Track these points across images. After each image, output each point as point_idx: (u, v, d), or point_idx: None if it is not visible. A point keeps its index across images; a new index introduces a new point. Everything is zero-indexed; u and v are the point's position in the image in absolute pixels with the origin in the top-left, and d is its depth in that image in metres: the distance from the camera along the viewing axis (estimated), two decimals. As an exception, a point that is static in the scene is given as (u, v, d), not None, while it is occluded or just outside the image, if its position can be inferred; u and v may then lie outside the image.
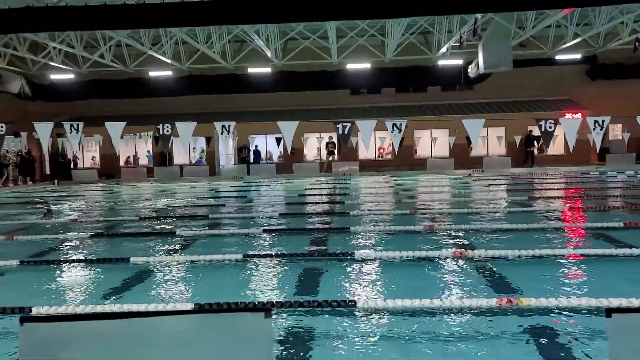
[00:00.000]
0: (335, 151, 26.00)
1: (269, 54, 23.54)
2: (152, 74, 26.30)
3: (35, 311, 4.23)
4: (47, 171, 26.53)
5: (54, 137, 23.57)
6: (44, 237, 8.38)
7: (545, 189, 15.20)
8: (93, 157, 28.94)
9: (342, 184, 18.47)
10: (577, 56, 25.39)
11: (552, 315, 4.09)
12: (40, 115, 22.00)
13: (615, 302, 4.02)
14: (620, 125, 25.37)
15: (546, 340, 3.67)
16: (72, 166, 26.76)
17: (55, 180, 23.76)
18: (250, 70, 26.27)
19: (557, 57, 25.25)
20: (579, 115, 22.78)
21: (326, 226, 8.95)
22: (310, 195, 15.10)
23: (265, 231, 8.21)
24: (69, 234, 8.68)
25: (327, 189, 17.19)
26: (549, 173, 21.09)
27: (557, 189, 15.34)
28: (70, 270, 6.19)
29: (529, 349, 3.52)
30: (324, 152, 26.78)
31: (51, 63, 23.62)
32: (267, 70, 26.27)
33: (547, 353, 3.45)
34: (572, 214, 9.97)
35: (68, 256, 6.92)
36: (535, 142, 25.75)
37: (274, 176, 23.33)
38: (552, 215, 9.61)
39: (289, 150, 23.96)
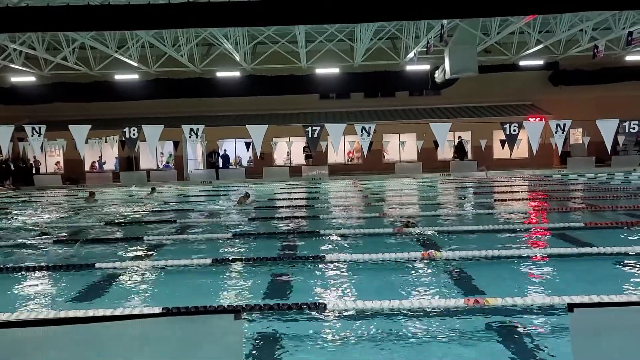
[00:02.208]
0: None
1: (237, 57, 23.43)
2: (118, 77, 25.84)
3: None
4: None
5: (14, 141, 22.85)
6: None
7: (512, 192, 15.56)
8: (57, 162, 28.17)
9: (313, 188, 18.47)
10: (540, 62, 26.21)
11: (517, 313, 4.19)
12: (1, 119, 21.31)
13: (577, 299, 4.16)
14: (580, 130, 26.17)
15: (512, 337, 3.75)
16: (33, 171, 25.97)
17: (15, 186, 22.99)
18: (219, 74, 26.09)
19: (521, 63, 25.98)
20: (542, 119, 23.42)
21: (296, 229, 8.94)
22: (282, 199, 15.07)
23: (235, 235, 8.17)
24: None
25: (298, 193, 17.17)
26: (517, 176, 21.56)
27: (523, 191, 15.72)
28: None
29: (495, 347, 3.59)
30: (301, 155, 26.77)
31: (12, 65, 22.95)
32: (235, 74, 26.12)
33: (512, 350, 3.53)
34: (538, 215, 10.23)
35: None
36: (465, 149, 26.47)
37: (244, 181, 23.15)
38: (520, 216, 9.85)
39: (258, 155, 23.79)
